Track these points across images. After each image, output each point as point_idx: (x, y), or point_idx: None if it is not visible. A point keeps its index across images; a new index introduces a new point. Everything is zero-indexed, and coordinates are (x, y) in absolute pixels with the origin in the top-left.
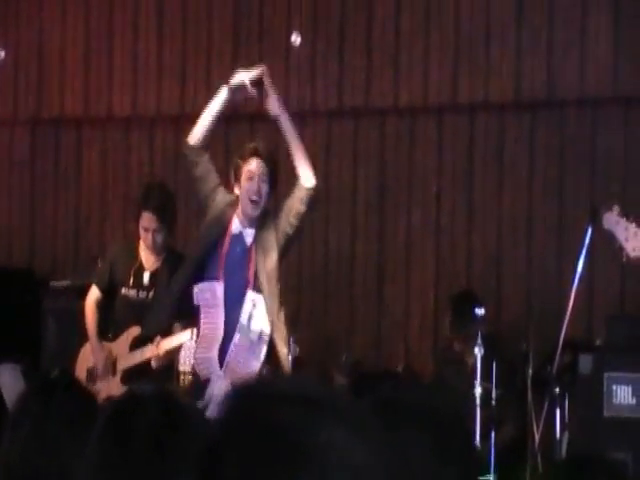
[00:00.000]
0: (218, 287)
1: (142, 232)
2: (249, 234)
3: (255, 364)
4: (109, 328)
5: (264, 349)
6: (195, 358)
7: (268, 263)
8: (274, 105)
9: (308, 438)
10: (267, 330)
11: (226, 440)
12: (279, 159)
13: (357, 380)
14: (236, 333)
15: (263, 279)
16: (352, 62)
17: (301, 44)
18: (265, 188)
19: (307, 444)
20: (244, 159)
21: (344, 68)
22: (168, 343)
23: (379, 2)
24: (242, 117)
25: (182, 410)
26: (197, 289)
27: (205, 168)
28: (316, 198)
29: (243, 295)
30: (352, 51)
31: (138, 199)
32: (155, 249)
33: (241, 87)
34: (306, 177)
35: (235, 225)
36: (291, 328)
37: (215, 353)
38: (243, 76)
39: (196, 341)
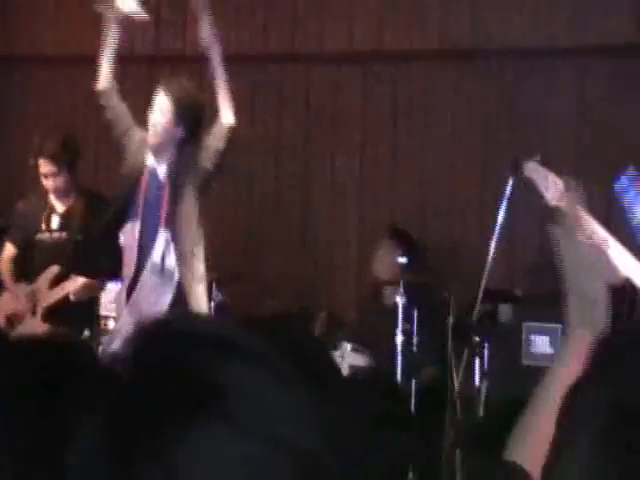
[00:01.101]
0: (135, 226)
1: (42, 179)
2: (162, 170)
3: (164, 303)
4: (29, 276)
5: (174, 288)
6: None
7: (184, 200)
8: (206, 31)
9: (217, 378)
10: (179, 269)
11: (130, 381)
12: (193, 97)
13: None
14: (145, 271)
15: (179, 217)
16: (277, 7)
17: None
18: (162, 119)
19: (217, 384)
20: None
21: (270, 14)
22: (78, 280)
23: None
24: (164, 59)
25: (78, 353)
26: (122, 231)
27: (114, 112)
28: (234, 136)
29: (157, 233)
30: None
31: (33, 148)
32: (59, 192)
33: (125, 15)
34: (226, 114)
35: (150, 161)
36: (214, 271)
37: (124, 291)
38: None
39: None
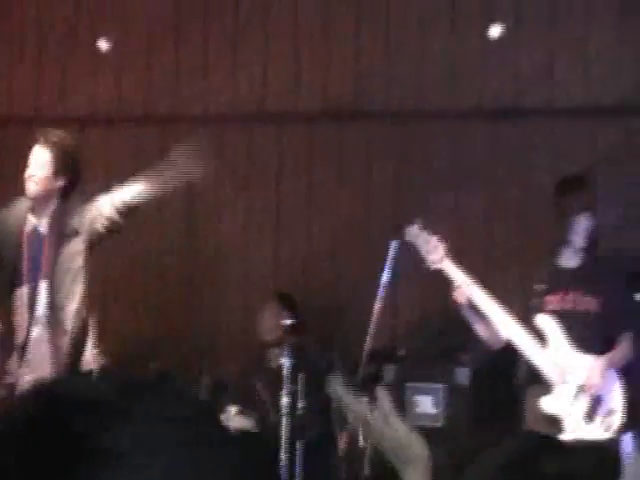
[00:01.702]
0: (23, 290)
1: None
2: (44, 224)
3: (56, 354)
4: None
5: (65, 339)
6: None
7: (67, 250)
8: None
9: (100, 442)
10: (66, 320)
11: (15, 445)
12: (72, 146)
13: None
14: (34, 327)
15: (58, 266)
16: (163, 67)
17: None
18: (41, 171)
19: (99, 448)
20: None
21: (153, 72)
22: None
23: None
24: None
25: None
26: (13, 301)
27: None
28: (128, 214)
29: (38, 287)
30: (161, 56)
31: None
32: None
33: None
34: (131, 198)
35: (31, 221)
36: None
37: (16, 354)
38: None
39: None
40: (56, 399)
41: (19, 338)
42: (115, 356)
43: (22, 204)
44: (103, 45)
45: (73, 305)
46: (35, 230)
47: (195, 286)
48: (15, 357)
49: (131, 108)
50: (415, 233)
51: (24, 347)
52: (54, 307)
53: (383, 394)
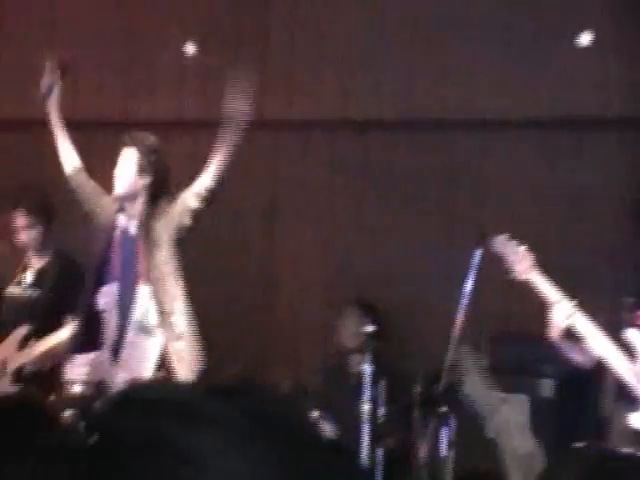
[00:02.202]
0: (113, 288)
1: (17, 231)
2: (133, 226)
3: (150, 360)
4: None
5: (159, 344)
6: (89, 363)
7: (160, 254)
8: (237, 100)
9: (187, 447)
10: (158, 324)
11: (98, 446)
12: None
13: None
14: (129, 330)
15: (155, 271)
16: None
17: (195, 53)
18: (127, 169)
19: (185, 453)
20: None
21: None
22: (45, 343)
23: (274, 14)
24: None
25: (44, 412)
26: (99, 296)
27: (84, 192)
28: (211, 199)
29: (134, 291)
30: (247, 62)
31: (11, 200)
32: (34, 247)
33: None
34: (208, 176)
35: (121, 220)
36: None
37: (106, 353)
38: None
39: (86, 346)
40: (148, 402)
41: (108, 337)
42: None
43: (111, 203)
44: (190, 49)
45: (180, 308)
46: (125, 230)
47: (275, 290)
48: (106, 355)
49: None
50: (502, 243)
51: (117, 347)
52: (163, 313)
53: (521, 404)
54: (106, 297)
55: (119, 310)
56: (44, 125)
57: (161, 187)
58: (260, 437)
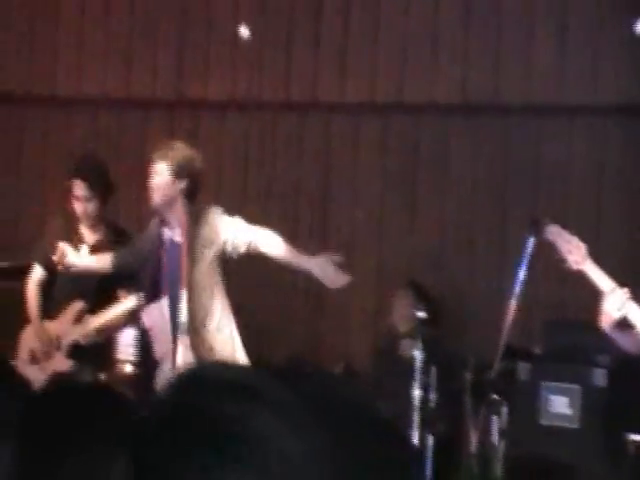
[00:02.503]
0: (162, 306)
1: (74, 202)
2: (177, 233)
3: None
4: (52, 304)
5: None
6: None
7: (201, 264)
8: None
9: (248, 429)
10: (209, 338)
11: (162, 426)
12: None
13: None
14: (179, 335)
15: (195, 278)
16: (300, 56)
17: (249, 36)
18: (159, 179)
19: (246, 435)
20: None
21: (291, 62)
22: (100, 318)
23: None
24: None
25: (111, 395)
26: (145, 313)
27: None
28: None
29: (179, 295)
30: (300, 45)
31: (70, 169)
32: (88, 219)
33: None
34: (271, 248)
35: (166, 233)
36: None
37: (168, 363)
38: None
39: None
40: (207, 383)
41: (162, 349)
42: (248, 346)
43: (154, 223)
44: (244, 32)
45: (213, 325)
46: (171, 241)
47: None
48: (168, 366)
49: (269, 95)
50: (556, 231)
51: (173, 356)
52: (195, 324)
53: None
54: (152, 316)
55: (171, 320)
56: (99, 105)
57: (196, 188)
58: (321, 421)
